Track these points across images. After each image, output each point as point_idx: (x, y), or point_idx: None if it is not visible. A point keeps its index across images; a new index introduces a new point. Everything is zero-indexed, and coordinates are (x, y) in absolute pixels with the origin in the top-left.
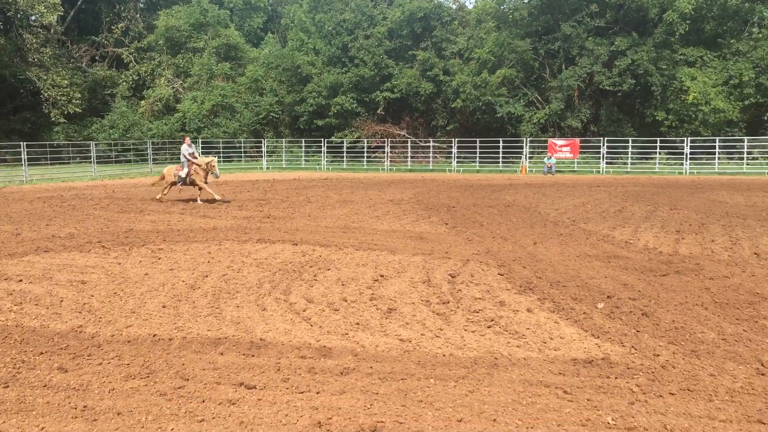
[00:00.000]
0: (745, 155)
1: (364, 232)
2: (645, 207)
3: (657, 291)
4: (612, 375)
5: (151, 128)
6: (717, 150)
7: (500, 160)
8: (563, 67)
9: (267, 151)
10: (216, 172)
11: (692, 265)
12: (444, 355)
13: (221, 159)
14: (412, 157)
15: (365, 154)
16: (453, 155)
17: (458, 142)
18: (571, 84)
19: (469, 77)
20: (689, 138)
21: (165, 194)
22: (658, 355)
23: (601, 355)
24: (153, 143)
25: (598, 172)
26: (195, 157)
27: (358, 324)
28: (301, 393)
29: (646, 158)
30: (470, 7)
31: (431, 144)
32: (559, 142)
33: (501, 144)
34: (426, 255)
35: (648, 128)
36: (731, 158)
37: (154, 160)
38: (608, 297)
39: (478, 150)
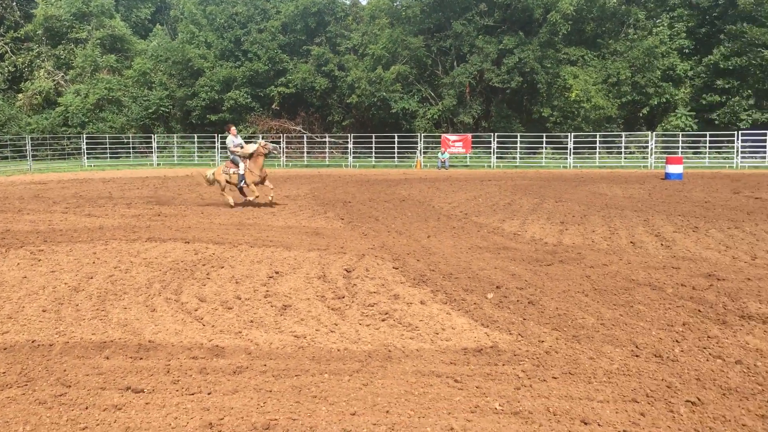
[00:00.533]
0: (623, 149)
1: (259, 229)
2: (532, 200)
3: (542, 280)
4: (500, 362)
5: (30, 123)
6: (598, 145)
7: (395, 155)
8: (455, 64)
9: (158, 147)
10: (274, 148)
11: (575, 255)
12: (339, 350)
13: (108, 156)
14: (308, 153)
15: None
16: (349, 151)
17: (354, 137)
18: (462, 81)
19: (364, 73)
20: (572, 133)
21: (228, 199)
22: (543, 341)
23: (490, 344)
24: (32, 139)
25: (489, 166)
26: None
27: (252, 322)
28: (192, 394)
29: (534, 153)
30: (364, 3)
31: (327, 139)
32: (452, 137)
33: (396, 139)
34: (322, 250)
35: (535, 124)
36: (610, 152)
37: (33, 156)
38: (497, 287)
39: (373, 145)
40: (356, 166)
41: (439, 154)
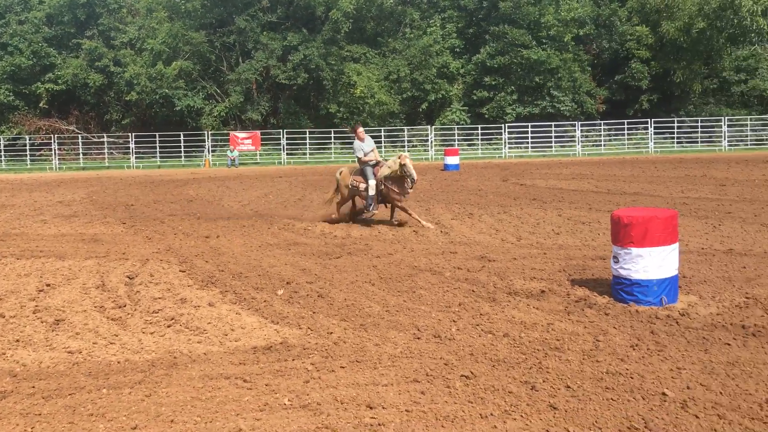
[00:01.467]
0: (406, 143)
1: (27, 239)
2: (323, 194)
3: (332, 273)
4: (289, 357)
5: None
6: (383, 139)
7: (182, 154)
8: (240, 60)
9: None
10: (412, 174)
11: (362, 246)
12: (119, 362)
13: None
14: (84, 154)
15: (28, 153)
16: (131, 151)
17: (136, 137)
18: (249, 77)
19: (143, 69)
20: None
21: (336, 214)
22: (332, 333)
23: (279, 340)
24: None
25: (280, 163)
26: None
27: (18, 341)
28: None
29: (323, 148)
30: None
31: (105, 139)
32: (241, 134)
33: (182, 138)
34: (101, 258)
35: (323, 120)
36: (395, 146)
37: None
38: (288, 283)
39: (158, 145)
40: (140, 167)
41: (229, 152)
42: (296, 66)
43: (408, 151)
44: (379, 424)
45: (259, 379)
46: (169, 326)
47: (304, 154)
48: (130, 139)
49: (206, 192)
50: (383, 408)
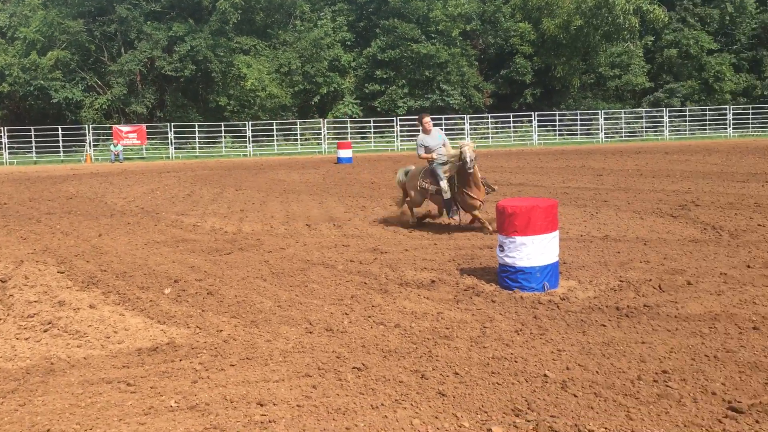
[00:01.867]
0: (299, 137)
1: None
2: (213, 190)
3: (222, 269)
4: (177, 358)
5: None
6: (275, 132)
7: (61, 149)
8: (123, 50)
9: None
10: (466, 158)
11: (254, 241)
12: None
13: None
14: None
15: None
16: (3, 146)
17: (8, 131)
18: (132, 69)
19: (15, 59)
20: (250, 122)
21: (407, 216)
22: (222, 331)
23: (166, 341)
24: None
25: (168, 157)
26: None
27: None
28: None
29: (213, 142)
30: None
31: None
32: (125, 128)
33: (60, 132)
34: None
35: (213, 113)
36: (288, 140)
37: None
38: (175, 281)
39: (33, 139)
40: (14, 164)
41: (112, 147)
42: (183, 57)
43: (301, 145)
44: (269, 421)
45: (144, 382)
46: (45, 331)
47: (194, 148)
48: (2, 134)
49: (87, 189)
50: (274, 404)
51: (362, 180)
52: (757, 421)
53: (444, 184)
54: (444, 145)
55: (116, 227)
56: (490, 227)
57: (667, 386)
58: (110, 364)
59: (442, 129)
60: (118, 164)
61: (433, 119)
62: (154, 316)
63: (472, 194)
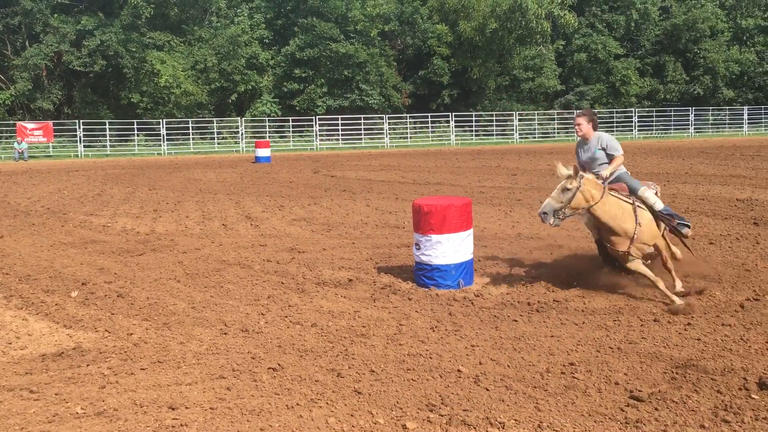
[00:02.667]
0: (215, 135)
1: None
2: (125, 189)
3: (133, 271)
4: (84, 363)
5: None
6: (191, 131)
7: None
8: (27, 44)
9: None
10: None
11: (168, 242)
12: None
13: None
14: None
15: None
16: None
17: None
18: (37, 63)
19: None
20: (165, 120)
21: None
22: (132, 334)
23: (73, 345)
24: None
25: (77, 156)
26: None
27: None
28: None
29: (125, 140)
30: None
31: None
32: (30, 125)
33: None
34: None
35: (124, 110)
36: (204, 138)
37: None
38: (83, 284)
39: None
40: None
41: (16, 144)
42: (92, 52)
43: (218, 143)
44: (181, 425)
45: (48, 389)
46: None
47: (104, 146)
48: None
49: None
50: (186, 408)
51: (281, 179)
52: (656, 409)
53: (658, 203)
54: (614, 158)
55: (20, 228)
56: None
57: (574, 377)
58: (12, 370)
59: (601, 137)
60: (22, 163)
61: (352, 119)
62: (60, 320)
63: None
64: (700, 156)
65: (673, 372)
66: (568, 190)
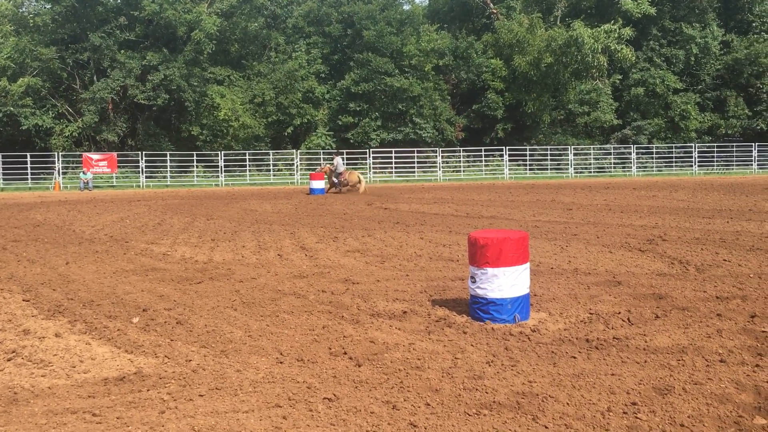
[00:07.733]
0: (271, 167)
1: None
2: (183, 219)
3: (192, 299)
4: (144, 388)
5: None
6: (248, 162)
7: (29, 176)
8: (95, 78)
9: None
10: None
11: (225, 271)
12: None
13: None
14: None
15: None
16: None
17: None
18: (104, 96)
19: None
20: (223, 152)
21: None
22: (190, 360)
23: (134, 370)
24: None
25: (139, 186)
26: None
27: None
28: None
29: (185, 171)
30: None
31: None
32: (95, 156)
33: (29, 159)
34: None
35: (185, 142)
36: (260, 170)
37: None
38: (144, 310)
39: (0, 166)
40: None
41: (81, 175)
42: (156, 86)
43: (274, 175)
44: None
45: (110, 412)
46: (9, 360)
47: (165, 177)
48: None
49: (55, 216)
50: None
51: (334, 211)
52: None
53: None
54: None
55: (84, 255)
56: None
57: (637, 418)
58: (75, 393)
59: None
60: (87, 192)
61: (405, 152)
62: (122, 345)
63: None
64: (764, 192)
65: (740, 415)
66: None
